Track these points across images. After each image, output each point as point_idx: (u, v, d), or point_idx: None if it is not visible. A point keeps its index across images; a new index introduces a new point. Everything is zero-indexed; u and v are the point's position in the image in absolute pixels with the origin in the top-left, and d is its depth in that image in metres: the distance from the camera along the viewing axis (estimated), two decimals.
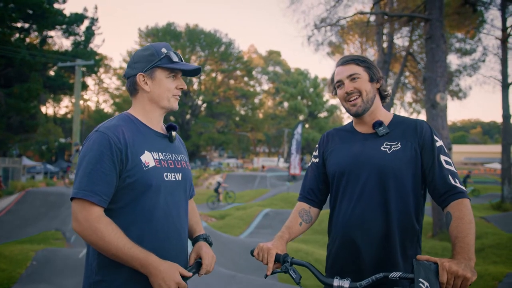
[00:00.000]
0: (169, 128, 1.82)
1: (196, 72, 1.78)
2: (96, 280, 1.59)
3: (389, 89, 1.90)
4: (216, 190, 20.07)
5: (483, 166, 55.80)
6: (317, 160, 1.98)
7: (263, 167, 41.79)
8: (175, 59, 1.72)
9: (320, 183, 1.96)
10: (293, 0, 15.67)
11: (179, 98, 1.79)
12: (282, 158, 55.70)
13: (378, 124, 1.80)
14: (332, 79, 1.91)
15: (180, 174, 1.75)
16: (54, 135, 36.03)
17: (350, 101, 1.82)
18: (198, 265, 1.72)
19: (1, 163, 25.23)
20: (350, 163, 1.79)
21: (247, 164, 59.38)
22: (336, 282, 1.50)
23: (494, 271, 6.49)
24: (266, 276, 1.64)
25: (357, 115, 1.83)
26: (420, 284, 1.29)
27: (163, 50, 1.72)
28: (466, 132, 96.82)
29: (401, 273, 1.42)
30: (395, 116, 1.88)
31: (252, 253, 1.71)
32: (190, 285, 1.69)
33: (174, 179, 1.72)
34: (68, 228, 10.13)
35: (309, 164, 2.04)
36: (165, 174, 1.68)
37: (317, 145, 2.03)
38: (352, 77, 1.80)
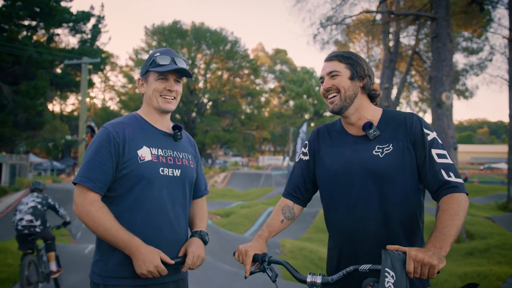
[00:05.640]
0: (175, 128, 1.96)
1: (180, 71, 1.85)
2: (96, 259, 1.78)
3: (378, 88, 1.84)
4: None
5: (486, 167, 55.20)
6: (306, 157, 1.91)
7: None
8: (162, 62, 1.83)
9: (307, 182, 1.90)
10: None
11: (169, 99, 1.87)
12: (288, 157, 55.65)
13: (368, 126, 1.72)
14: None
15: (179, 170, 1.87)
16: (60, 132, 36.27)
17: (329, 98, 1.78)
18: (184, 259, 1.81)
19: (8, 160, 25.43)
20: (343, 169, 1.74)
21: (253, 163, 59.39)
22: (309, 278, 1.53)
23: (498, 271, 6.47)
24: (246, 277, 1.70)
25: (334, 113, 1.78)
26: (386, 274, 1.28)
27: (156, 55, 1.85)
28: (472, 132, 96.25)
29: (370, 265, 1.41)
30: (384, 112, 1.81)
31: (234, 255, 1.75)
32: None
33: (172, 175, 1.84)
34: (74, 225, 10.20)
35: (296, 160, 1.96)
36: (161, 168, 1.80)
37: (306, 142, 1.95)
38: (332, 74, 1.76)
